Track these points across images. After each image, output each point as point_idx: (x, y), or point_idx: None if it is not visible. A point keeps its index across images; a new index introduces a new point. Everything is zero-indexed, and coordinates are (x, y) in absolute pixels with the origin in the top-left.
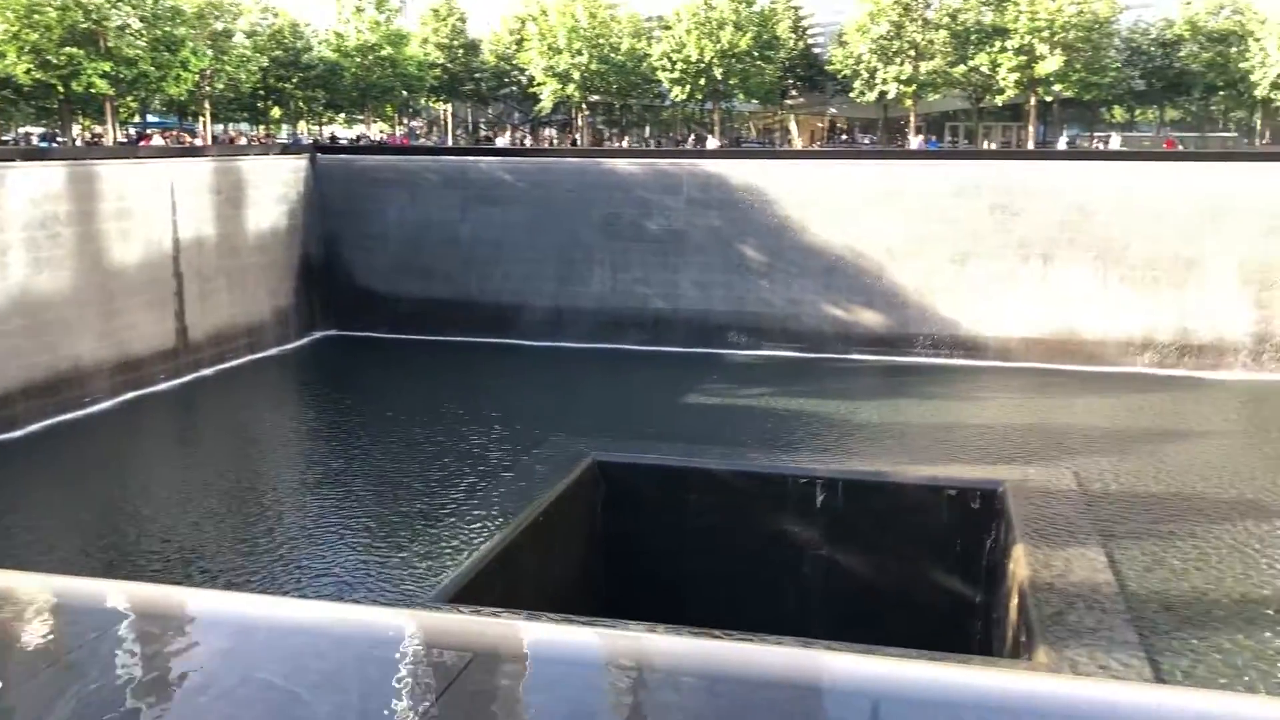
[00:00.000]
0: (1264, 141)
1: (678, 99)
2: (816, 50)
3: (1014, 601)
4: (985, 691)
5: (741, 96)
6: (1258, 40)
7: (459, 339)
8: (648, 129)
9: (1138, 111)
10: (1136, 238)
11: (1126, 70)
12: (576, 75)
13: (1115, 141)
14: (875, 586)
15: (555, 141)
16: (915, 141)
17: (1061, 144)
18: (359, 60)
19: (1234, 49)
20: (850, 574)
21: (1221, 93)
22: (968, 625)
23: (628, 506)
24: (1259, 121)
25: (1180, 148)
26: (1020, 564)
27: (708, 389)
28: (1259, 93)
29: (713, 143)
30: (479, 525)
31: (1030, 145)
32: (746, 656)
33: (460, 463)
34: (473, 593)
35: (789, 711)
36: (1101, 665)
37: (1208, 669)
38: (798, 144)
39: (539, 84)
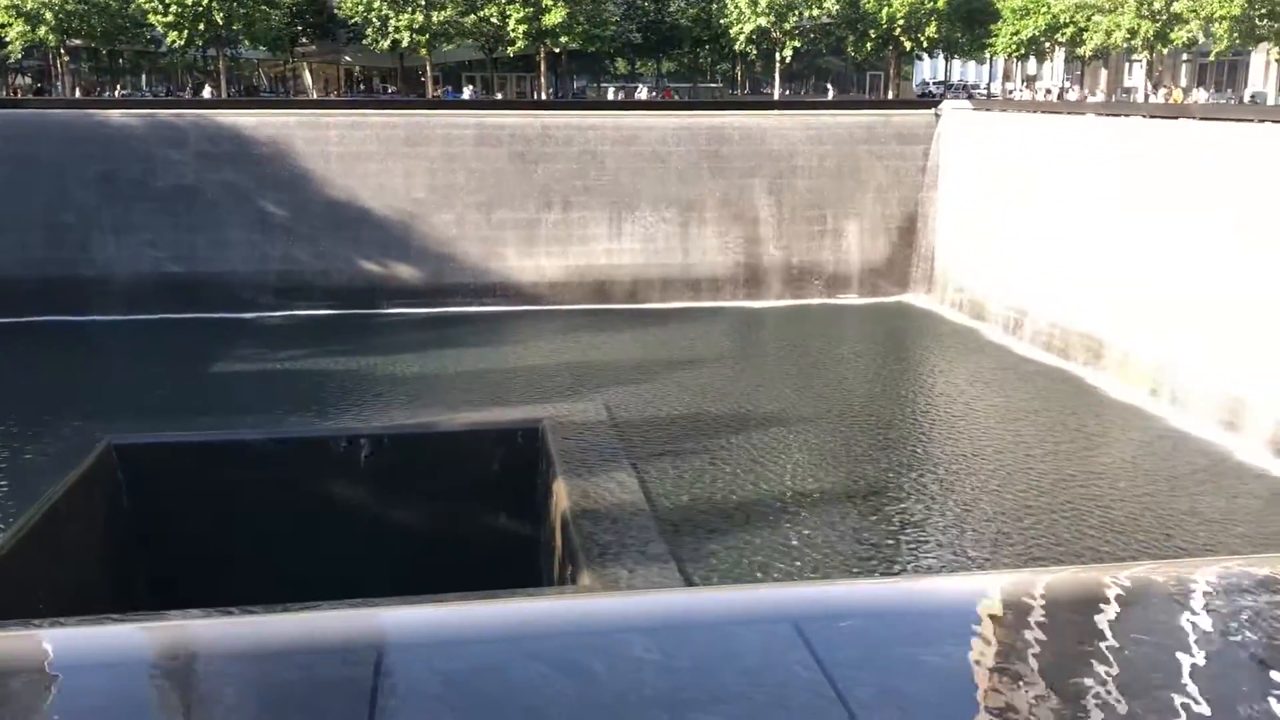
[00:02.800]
0: (745, 91)
1: (175, 45)
2: None
3: (558, 532)
4: (525, 619)
5: (247, 43)
6: None
7: None
8: (144, 77)
9: (638, 63)
10: (643, 182)
11: (625, 24)
12: (49, 16)
13: (642, 92)
14: (432, 537)
15: (25, 92)
16: (467, 91)
17: (612, 93)
18: None
19: (714, 5)
20: (406, 528)
21: (707, 46)
22: (521, 561)
23: (158, 491)
24: (739, 73)
25: (676, 97)
26: (562, 496)
27: (238, 356)
28: (737, 46)
29: (207, 92)
30: None
31: (544, 95)
32: (297, 626)
33: None
34: None
35: (345, 675)
36: (639, 578)
37: (727, 566)
38: (312, 93)
39: (3, 26)
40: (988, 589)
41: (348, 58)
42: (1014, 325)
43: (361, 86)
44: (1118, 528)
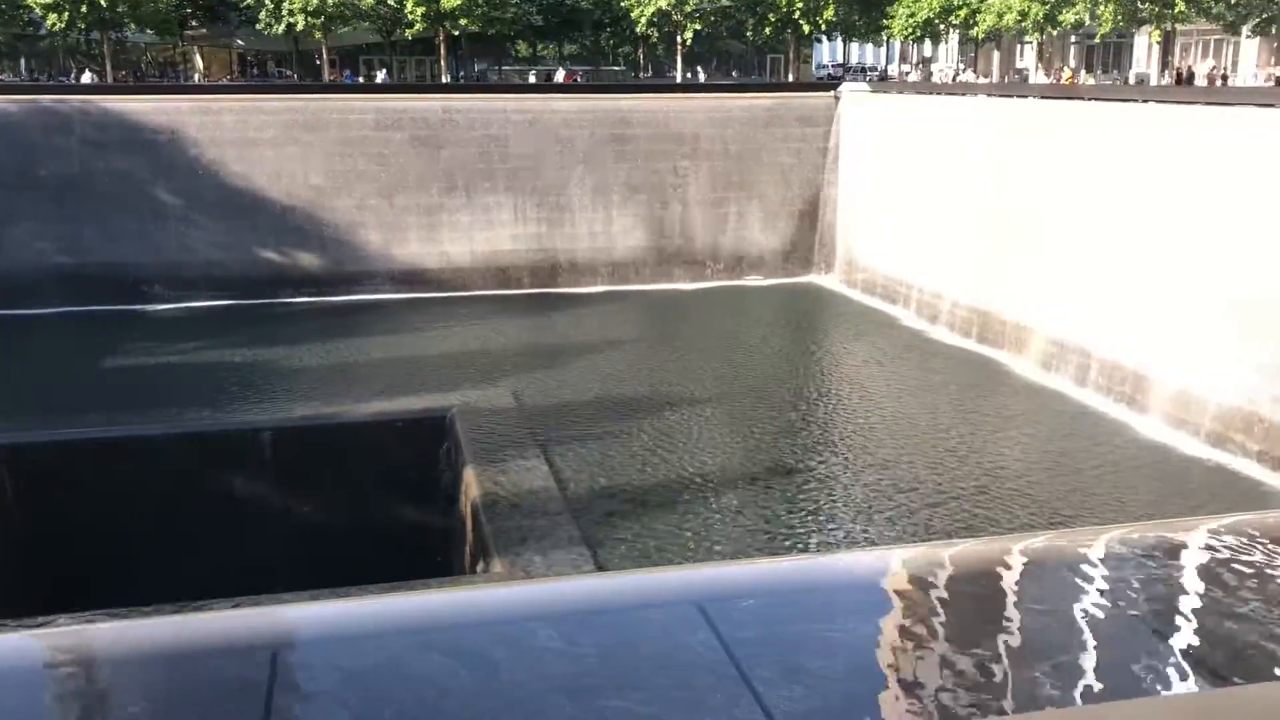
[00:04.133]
0: (647, 75)
1: (55, 28)
2: None
3: (469, 521)
4: (428, 610)
5: (133, 26)
6: None
7: None
8: (23, 62)
9: (540, 46)
10: (548, 166)
11: (526, 6)
12: None
13: (559, 74)
14: (342, 530)
15: None
16: (380, 75)
17: (533, 76)
18: None
19: None
20: (315, 522)
21: (608, 29)
22: (433, 551)
23: (53, 493)
24: (642, 56)
25: (580, 80)
26: (472, 485)
27: (133, 350)
28: (639, 29)
29: (87, 77)
30: None
31: (444, 78)
32: (190, 628)
33: None
34: None
35: (240, 675)
36: (551, 565)
37: (640, 550)
38: (203, 78)
39: None
40: (889, 563)
41: (240, 41)
42: (911, 302)
43: (255, 71)
44: (1036, 499)
